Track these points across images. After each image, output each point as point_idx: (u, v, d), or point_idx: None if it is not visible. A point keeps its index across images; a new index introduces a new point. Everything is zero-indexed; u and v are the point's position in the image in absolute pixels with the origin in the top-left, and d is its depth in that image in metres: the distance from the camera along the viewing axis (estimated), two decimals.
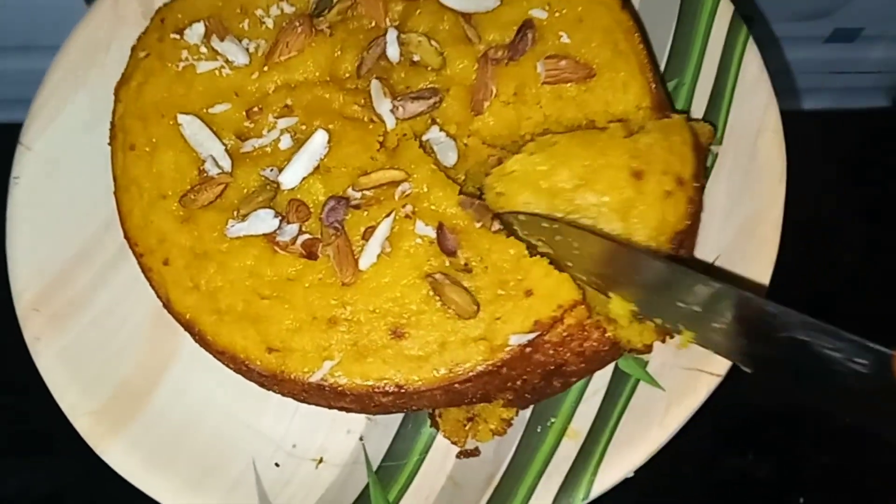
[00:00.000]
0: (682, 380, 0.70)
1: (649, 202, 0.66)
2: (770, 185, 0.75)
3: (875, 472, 0.97)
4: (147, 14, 0.81)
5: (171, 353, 0.76)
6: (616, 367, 0.73)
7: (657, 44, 0.82)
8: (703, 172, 0.71)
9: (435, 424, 0.72)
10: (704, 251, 0.74)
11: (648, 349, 0.67)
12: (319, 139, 0.69)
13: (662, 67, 0.82)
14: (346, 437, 0.74)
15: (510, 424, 0.72)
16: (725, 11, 0.81)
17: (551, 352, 0.64)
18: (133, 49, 0.76)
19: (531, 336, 0.63)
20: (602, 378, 0.73)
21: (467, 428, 0.72)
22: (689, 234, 0.69)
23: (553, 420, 0.72)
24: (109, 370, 0.75)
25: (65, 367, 0.75)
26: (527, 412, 0.73)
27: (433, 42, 0.72)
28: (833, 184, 1.09)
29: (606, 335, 0.65)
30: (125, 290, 0.77)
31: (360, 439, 0.74)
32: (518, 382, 0.66)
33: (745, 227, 0.74)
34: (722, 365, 0.70)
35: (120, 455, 0.72)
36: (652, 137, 0.68)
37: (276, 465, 0.73)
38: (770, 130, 0.76)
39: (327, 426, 0.74)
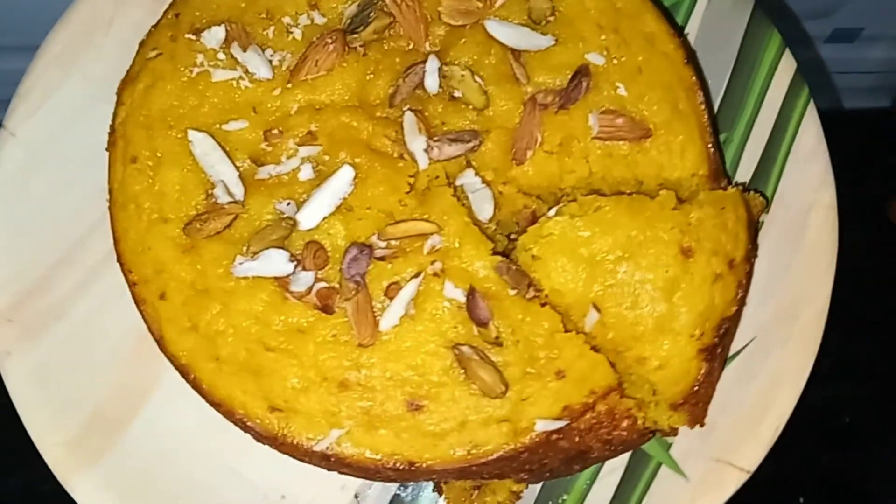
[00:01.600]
0: (709, 471, 0.67)
1: (697, 284, 0.61)
2: (819, 266, 0.70)
3: (875, 472, 0.97)
4: (158, 0, 0.73)
5: (153, 379, 0.70)
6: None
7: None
8: (754, 252, 0.66)
9: (439, 490, 0.67)
10: (738, 330, 0.69)
11: (674, 432, 0.63)
12: (345, 176, 0.63)
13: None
14: (339, 493, 0.69)
15: (519, 498, 0.67)
16: (787, 68, 0.75)
17: (577, 439, 0.59)
18: (141, 45, 0.68)
19: (560, 424, 0.58)
20: (621, 457, 0.68)
21: (473, 497, 0.67)
22: (734, 320, 0.64)
23: (565, 497, 0.68)
24: (85, 394, 0.69)
25: (36, 387, 0.68)
26: (537, 486, 0.68)
27: (477, 78, 0.66)
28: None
29: (637, 424, 0.60)
30: (108, 303, 0.71)
31: (356, 497, 0.69)
32: (535, 466, 0.61)
33: (789, 311, 0.69)
34: (753, 460, 0.66)
35: (90, 493, 0.66)
36: (704, 212, 0.62)
37: None
38: (824, 206, 0.72)
39: (321, 479, 0.68)
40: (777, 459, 0.94)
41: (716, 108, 0.76)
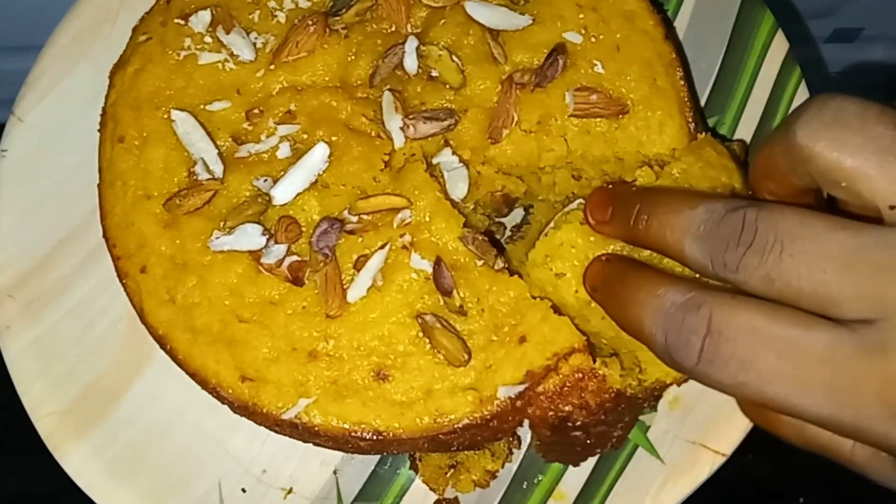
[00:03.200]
0: (684, 453, 0.65)
1: None
2: None
3: None
4: None
5: (146, 355, 0.72)
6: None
7: (700, 75, 0.76)
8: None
9: (414, 468, 0.68)
10: None
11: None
12: (319, 153, 0.64)
13: (703, 101, 0.76)
14: (319, 469, 0.69)
15: (494, 477, 0.67)
16: (779, 48, 0.74)
17: (547, 405, 0.59)
18: (134, 30, 0.71)
19: (520, 388, 0.58)
20: None
21: (448, 476, 0.67)
22: None
23: (541, 477, 0.68)
24: (81, 367, 0.71)
25: (35, 359, 0.71)
26: (513, 465, 0.68)
27: (455, 58, 0.66)
28: None
29: (607, 386, 0.59)
30: (106, 282, 0.72)
31: (335, 473, 0.69)
32: (536, 443, 0.61)
33: None
34: (728, 443, 0.64)
35: (80, 462, 0.68)
36: (685, 162, 0.61)
37: (243, 490, 0.69)
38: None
39: (300, 455, 0.69)
40: (777, 459, 0.92)
41: (708, 90, 0.76)
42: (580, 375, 0.58)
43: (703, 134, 0.65)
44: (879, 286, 0.40)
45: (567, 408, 0.58)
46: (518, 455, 0.68)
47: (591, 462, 0.67)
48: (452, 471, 0.66)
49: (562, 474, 0.67)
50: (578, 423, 0.59)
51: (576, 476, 0.67)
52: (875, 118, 0.43)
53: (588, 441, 0.61)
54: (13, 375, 0.70)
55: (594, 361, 0.58)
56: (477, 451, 0.66)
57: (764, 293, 0.43)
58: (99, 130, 0.69)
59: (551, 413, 0.59)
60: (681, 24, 0.77)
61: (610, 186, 0.59)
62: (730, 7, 0.76)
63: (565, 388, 0.58)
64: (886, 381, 0.40)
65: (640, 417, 0.67)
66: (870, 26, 1.11)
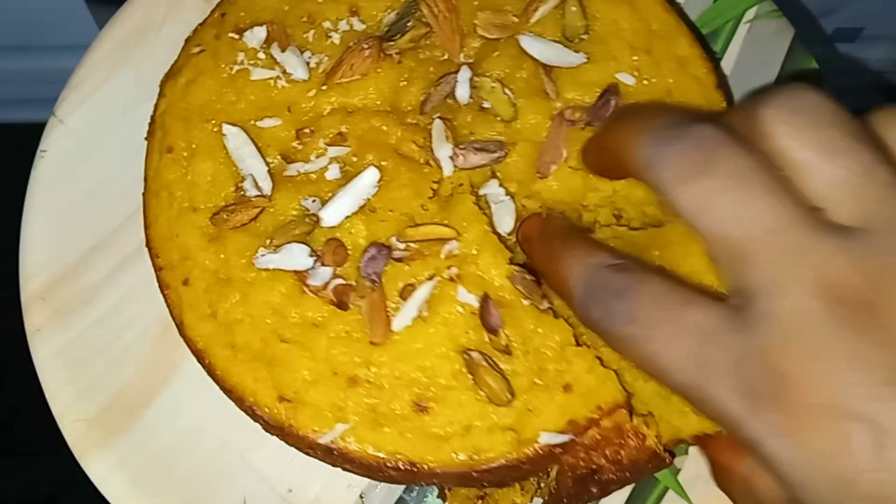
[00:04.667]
0: (714, 498, 0.65)
1: None
2: None
3: None
4: (209, 1, 0.76)
5: (173, 365, 0.72)
6: (666, 447, 0.68)
7: None
8: None
9: (443, 496, 0.67)
10: None
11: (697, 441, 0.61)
12: (370, 177, 0.64)
13: None
14: (345, 491, 0.69)
15: None
16: None
17: (582, 455, 0.59)
18: (187, 41, 0.71)
19: (564, 438, 0.58)
20: None
21: None
22: None
23: None
24: (108, 375, 0.71)
25: (63, 366, 0.71)
26: (541, 500, 0.68)
27: (507, 91, 0.67)
28: None
29: (646, 443, 0.60)
30: (137, 291, 0.72)
31: (360, 497, 0.69)
32: (553, 487, 0.61)
33: None
34: None
35: (105, 470, 0.68)
36: None
37: None
38: None
39: (327, 476, 0.69)
40: None
41: None
42: (620, 430, 0.58)
43: None
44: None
45: (601, 461, 0.58)
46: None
47: (619, 501, 0.67)
48: (480, 502, 0.66)
49: None
50: (605, 478, 0.60)
51: None
52: (841, 122, 0.44)
53: (597, 492, 0.62)
54: (42, 379, 0.70)
55: (631, 419, 0.59)
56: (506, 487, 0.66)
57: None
58: (146, 139, 0.69)
59: (582, 464, 0.59)
60: (725, 69, 0.77)
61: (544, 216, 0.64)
62: (775, 56, 0.76)
63: (601, 441, 0.59)
64: (738, 355, 0.42)
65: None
66: (870, 26, 1.11)
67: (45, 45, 0.85)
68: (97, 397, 0.70)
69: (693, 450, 0.67)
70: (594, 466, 0.59)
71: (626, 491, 0.67)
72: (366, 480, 0.69)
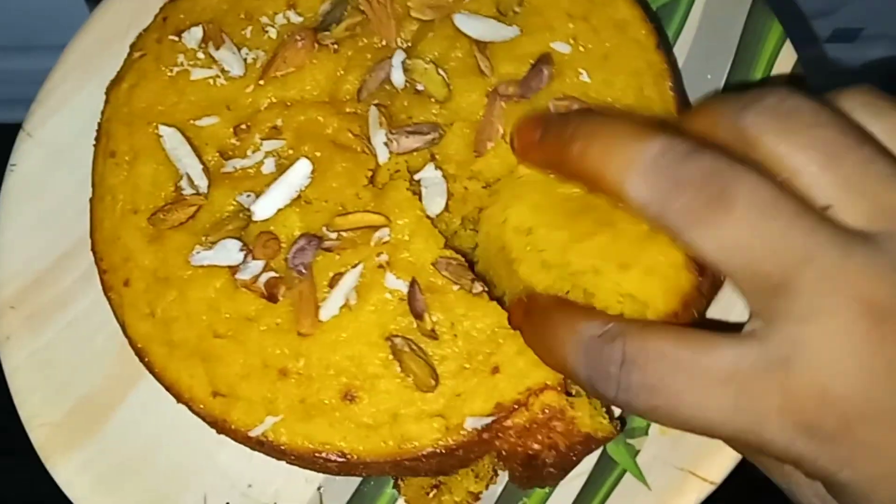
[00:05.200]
0: (671, 481, 0.62)
1: None
2: None
3: None
4: None
5: (140, 369, 0.72)
6: (603, 451, 0.65)
7: (706, 87, 0.73)
8: None
9: (397, 487, 0.66)
10: None
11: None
12: (301, 169, 0.63)
13: None
14: (304, 485, 0.69)
15: (478, 499, 0.65)
16: (787, 59, 0.71)
17: (513, 440, 0.57)
18: (131, 47, 0.72)
19: (488, 420, 0.56)
20: (587, 461, 0.65)
21: (431, 496, 0.65)
22: None
23: (525, 501, 0.65)
24: (77, 380, 0.72)
25: (32, 372, 0.72)
26: (498, 487, 0.66)
27: (441, 71, 0.65)
28: None
29: (576, 428, 0.57)
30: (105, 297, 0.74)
31: (319, 489, 0.69)
32: (512, 474, 0.59)
33: None
34: (719, 471, 0.61)
35: (71, 474, 0.69)
36: None
37: None
38: None
39: (286, 470, 0.67)
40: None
41: None
42: (548, 414, 0.56)
43: None
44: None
45: (535, 446, 0.56)
46: (503, 477, 0.66)
47: (575, 486, 0.64)
48: (435, 491, 0.65)
49: (547, 497, 0.65)
50: (549, 462, 0.57)
51: (561, 499, 0.64)
52: (827, 120, 0.42)
53: (565, 472, 0.59)
54: (11, 387, 0.71)
55: (565, 400, 0.56)
56: (460, 473, 0.65)
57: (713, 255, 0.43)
58: (94, 145, 0.70)
59: (520, 448, 0.57)
60: (687, 37, 0.74)
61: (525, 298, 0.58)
62: (737, 18, 0.72)
63: (533, 426, 0.56)
64: (787, 393, 0.40)
65: (630, 441, 0.65)
66: (870, 26, 1.09)
67: (45, 45, 0.87)
68: (65, 401, 0.71)
69: (653, 431, 0.64)
70: (531, 452, 0.57)
71: (585, 474, 0.64)
72: (323, 474, 0.68)
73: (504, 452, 0.58)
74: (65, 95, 0.80)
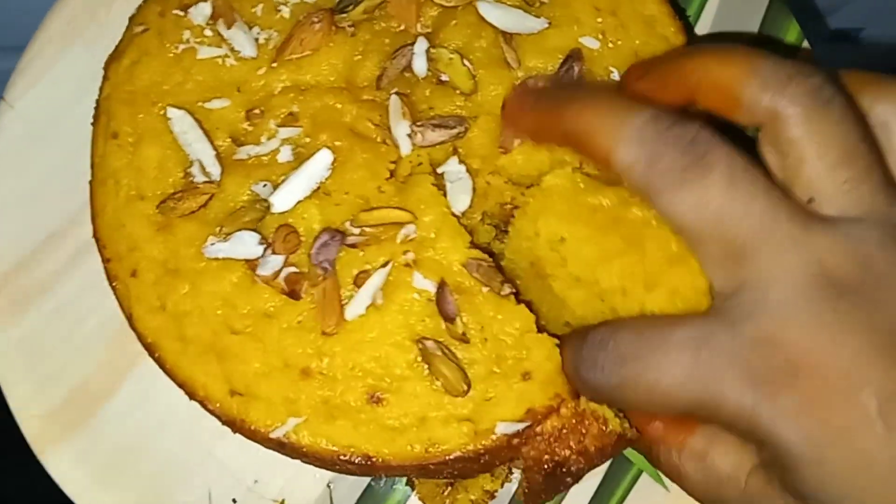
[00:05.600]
0: None
1: None
2: None
3: None
4: None
5: (136, 356, 0.68)
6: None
7: None
8: None
9: (411, 484, 0.66)
10: None
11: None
12: (323, 159, 0.61)
13: None
14: (312, 482, 0.68)
15: (493, 497, 0.65)
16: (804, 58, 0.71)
17: (544, 447, 0.56)
18: (130, 20, 0.67)
19: (520, 426, 0.56)
20: None
21: (445, 494, 0.65)
22: None
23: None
24: (68, 368, 0.69)
25: (19, 360, 0.69)
26: (513, 486, 0.66)
27: (466, 62, 0.63)
28: None
29: (609, 429, 0.57)
30: (95, 280, 0.69)
31: (328, 486, 0.67)
32: (525, 486, 0.59)
33: None
34: None
35: (66, 466, 0.67)
36: None
37: (234, 500, 0.67)
38: None
39: (294, 466, 0.65)
40: None
41: None
42: (581, 417, 0.55)
43: None
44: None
45: (565, 452, 0.56)
46: (518, 476, 0.66)
47: (593, 485, 0.65)
48: (450, 489, 0.64)
49: (563, 497, 0.65)
50: (574, 470, 0.57)
51: (576, 500, 0.65)
52: (851, 120, 0.45)
53: (570, 482, 0.60)
54: None
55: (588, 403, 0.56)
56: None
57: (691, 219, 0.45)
58: (92, 124, 0.66)
59: (547, 457, 0.57)
60: (701, 31, 0.73)
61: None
62: (754, 15, 0.72)
63: (564, 431, 0.56)
64: (740, 347, 0.42)
65: None
66: (870, 26, 1.10)
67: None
68: (56, 391, 0.68)
69: None
70: (559, 459, 0.57)
71: (600, 475, 0.65)
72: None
73: (530, 462, 0.58)
74: (46, 64, 0.75)
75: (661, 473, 0.64)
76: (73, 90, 0.74)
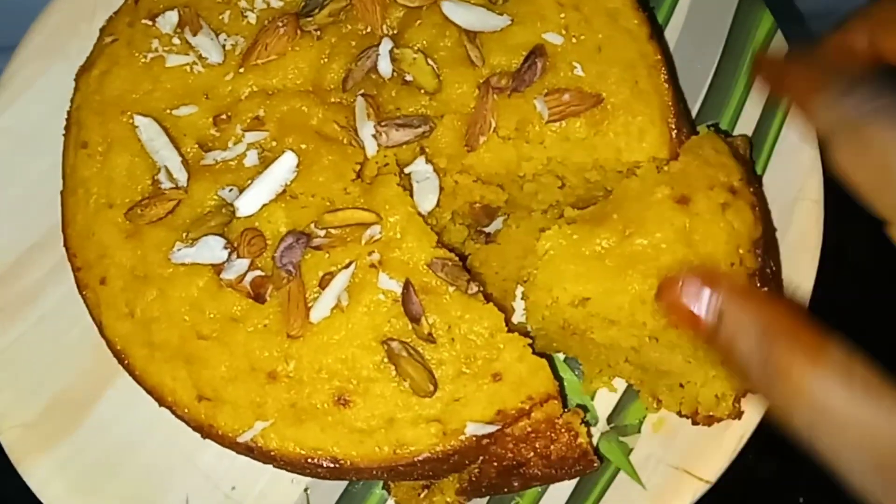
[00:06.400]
0: (666, 480, 0.62)
1: (707, 220, 0.57)
2: (802, 262, 0.65)
3: None
4: None
5: (115, 368, 0.69)
6: (596, 449, 0.65)
7: (696, 77, 0.72)
8: (757, 180, 0.63)
9: (387, 488, 0.65)
10: None
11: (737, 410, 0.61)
12: (287, 162, 0.61)
13: (698, 105, 0.72)
14: (289, 487, 0.67)
15: (469, 499, 0.64)
16: (778, 49, 0.70)
17: (511, 447, 0.56)
18: (101, 31, 0.68)
19: (492, 428, 0.55)
20: None
21: (421, 497, 0.64)
22: (770, 246, 0.61)
23: (517, 500, 0.65)
24: (49, 377, 0.69)
25: (3, 371, 0.69)
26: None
27: (430, 61, 0.63)
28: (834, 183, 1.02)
29: (578, 441, 0.57)
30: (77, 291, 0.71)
31: (306, 490, 0.67)
32: (475, 474, 0.58)
33: None
34: (714, 470, 0.61)
35: (43, 476, 0.66)
36: (682, 161, 0.59)
37: None
38: (810, 199, 0.66)
39: (271, 471, 0.66)
40: (777, 459, 0.89)
41: (704, 92, 0.72)
42: (552, 425, 0.55)
43: (708, 129, 0.63)
44: None
45: (529, 454, 0.56)
46: None
47: (569, 486, 0.64)
48: (426, 492, 0.64)
49: (540, 496, 0.64)
50: (530, 472, 0.57)
51: (554, 498, 0.64)
52: None
53: (518, 486, 0.59)
54: None
55: (565, 409, 0.56)
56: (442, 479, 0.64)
57: None
58: (63, 135, 0.67)
59: (510, 455, 0.56)
60: (676, 24, 0.73)
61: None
62: (727, 7, 0.71)
63: (532, 434, 0.56)
64: None
65: (623, 439, 0.65)
66: None
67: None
68: (38, 401, 0.69)
69: (645, 429, 0.64)
70: (521, 459, 0.56)
71: None
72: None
73: (492, 458, 0.57)
74: (28, 78, 0.76)
75: (637, 469, 0.63)
76: (56, 103, 0.73)
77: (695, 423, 0.63)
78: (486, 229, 0.70)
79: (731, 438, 0.61)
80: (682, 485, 0.62)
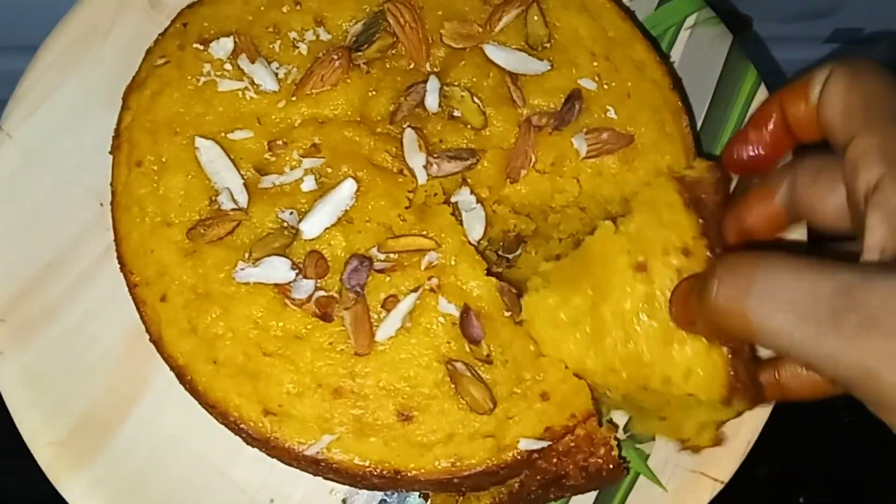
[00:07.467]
0: (685, 481, 0.69)
1: (666, 286, 0.58)
2: None
3: (875, 472, 0.99)
4: (154, 4, 0.76)
5: (144, 380, 0.71)
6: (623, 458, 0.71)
7: None
8: (717, 213, 0.63)
9: (424, 496, 0.69)
10: None
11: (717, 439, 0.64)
12: (348, 189, 0.64)
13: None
14: (328, 497, 0.70)
15: (501, 503, 0.69)
16: (762, 100, 0.78)
17: (554, 460, 0.62)
18: (149, 52, 0.70)
19: (542, 444, 0.60)
20: None
21: (458, 503, 0.69)
22: None
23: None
24: (76, 395, 0.69)
25: (27, 388, 0.69)
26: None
27: (476, 99, 0.68)
28: None
29: (613, 454, 0.63)
30: (101, 304, 0.71)
31: (343, 502, 0.70)
32: (515, 486, 0.63)
33: None
34: (726, 472, 0.68)
35: (82, 493, 0.67)
36: (638, 219, 0.61)
37: None
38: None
39: (308, 483, 0.69)
40: (777, 459, 0.95)
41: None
42: (591, 439, 0.61)
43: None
44: None
45: (569, 467, 0.62)
46: None
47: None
48: (461, 498, 0.68)
49: (567, 500, 0.70)
50: (569, 484, 0.63)
51: (580, 501, 0.69)
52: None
53: (553, 497, 0.65)
54: (8, 404, 0.68)
55: (600, 425, 0.62)
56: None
57: None
58: (111, 153, 0.68)
59: (553, 469, 0.62)
60: None
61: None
62: (715, 61, 0.79)
63: (573, 449, 0.61)
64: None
65: (639, 446, 0.71)
66: (870, 26, 1.10)
67: (21, 46, 0.81)
68: (66, 418, 0.69)
69: (659, 437, 0.70)
70: (563, 472, 0.62)
71: None
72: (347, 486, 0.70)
73: (534, 469, 0.63)
74: (43, 93, 0.75)
75: (656, 474, 0.70)
76: (69, 117, 0.75)
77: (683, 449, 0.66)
78: (510, 255, 0.75)
79: (740, 442, 0.69)
80: (699, 486, 0.69)
